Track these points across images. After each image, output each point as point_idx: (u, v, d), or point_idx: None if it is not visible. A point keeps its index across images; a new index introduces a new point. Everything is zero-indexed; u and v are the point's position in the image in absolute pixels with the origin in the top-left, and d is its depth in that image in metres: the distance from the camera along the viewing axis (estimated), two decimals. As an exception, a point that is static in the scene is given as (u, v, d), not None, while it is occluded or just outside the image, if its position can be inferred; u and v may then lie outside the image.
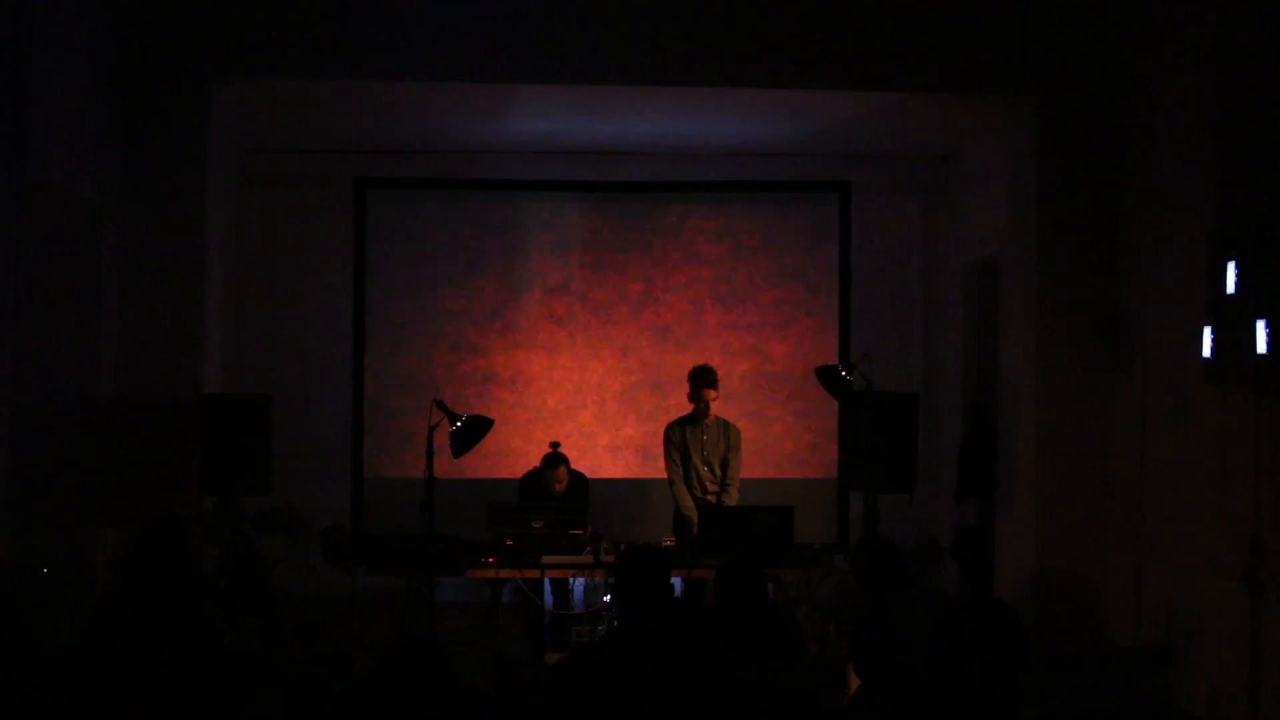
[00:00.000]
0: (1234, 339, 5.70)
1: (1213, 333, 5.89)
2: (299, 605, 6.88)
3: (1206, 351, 5.95)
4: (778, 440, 9.63)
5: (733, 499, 8.11)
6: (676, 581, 7.23)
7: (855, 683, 5.41)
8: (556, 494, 7.99)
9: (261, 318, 9.37)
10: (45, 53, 6.26)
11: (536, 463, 8.25)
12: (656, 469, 8.60)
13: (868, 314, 9.72)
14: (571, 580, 7.88)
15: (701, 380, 8.11)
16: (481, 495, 8.04)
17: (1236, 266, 5.70)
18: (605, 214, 9.71)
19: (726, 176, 9.68)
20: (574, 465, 8.25)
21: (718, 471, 8.16)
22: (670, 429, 8.25)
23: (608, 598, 7.18)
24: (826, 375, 7.87)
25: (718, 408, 8.19)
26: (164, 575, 4.80)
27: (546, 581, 7.54)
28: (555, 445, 8.15)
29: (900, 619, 5.38)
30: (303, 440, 8.82)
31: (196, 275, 7.21)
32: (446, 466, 6.95)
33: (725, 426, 8.22)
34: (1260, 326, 5.49)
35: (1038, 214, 7.48)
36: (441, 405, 6.63)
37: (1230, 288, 5.73)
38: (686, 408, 8.28)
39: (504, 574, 7.36)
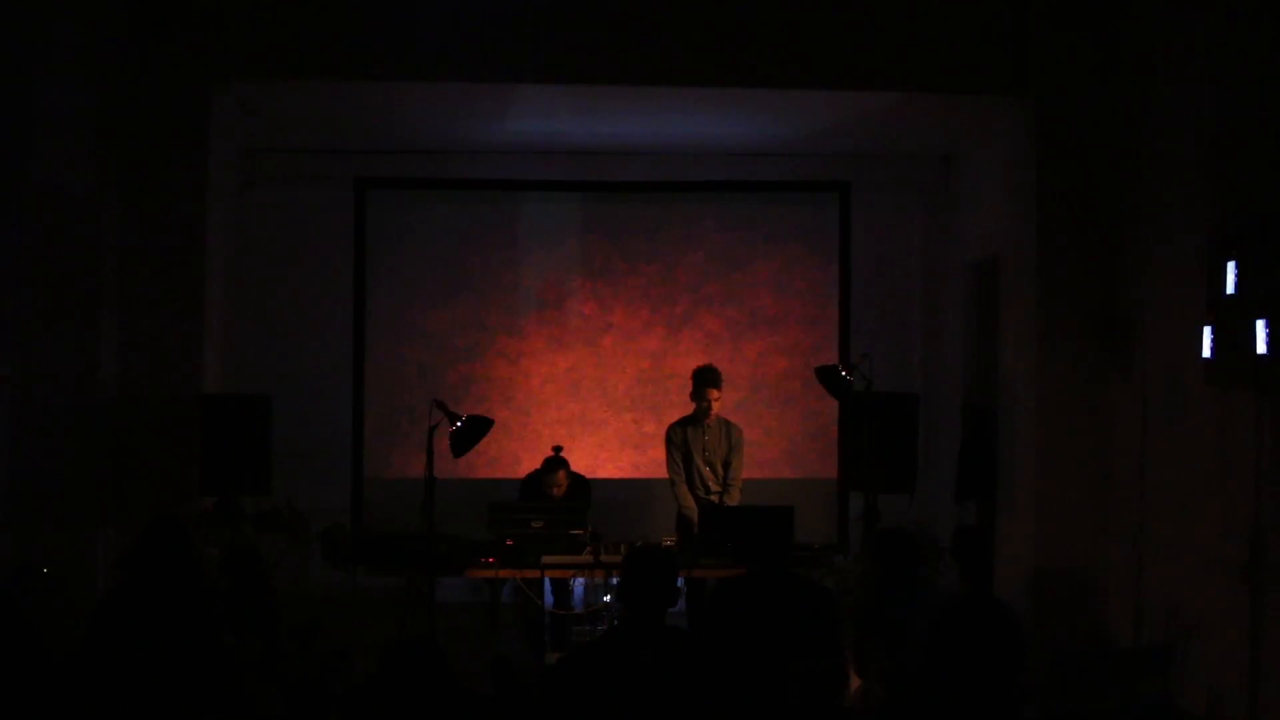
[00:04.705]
0: (1234, 339, 5.70)
1: (1213, 333, 5.89)
2: (299, 605, 6.87)
3: (1206, 351, 5.95)
4: (778, 440, 9.62)
5: (734, 499, 8.11)
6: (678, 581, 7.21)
7: (856, 682, 5.42)
8: (555, 497, 7.99)
9: (261, 318, 9.36)
10: (45, 53, 6.27)
11: (536, 463, 8.25)
12: (657, 469, 8.59)
13: (868, 314, 9.72)
14: (571, 580, 7.88)
15: (705, 380, 8.11)
16: (481, 495, 8.04)
17: (1236, 266, 5.70)
18: (605, 214, 9.71)
19: (726, 176, 9.68)
20: (575, 465, 8.25)
21: (720, 471, 8.15)
22: (672, 430, 8.25)
23: (608, 598, 7.18)
24: (826, 375, 7.87)
25: (718, 408, 8.19)
26: (164, 575, 4.81)
27: (546, 581, 7.53)
28: (557, 449, 8.15)
29: (902, 618, 5.39)
30: (303, 440, 8.81)
31: (196, 275, 7.21)
32: (446, 466, 6.95)
33: (727, 426, 8.22)
34: (1260, 326, 5.49)
35: (1038, 214, 7.48)
36: (441, 405, 6.63)
37: (1230, 288, 5.73)
38: (688, 407, 8.28)
39: (504, 574, 7.36)
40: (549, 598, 7.80)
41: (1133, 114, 7.26)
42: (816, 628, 5.08)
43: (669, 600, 4.09)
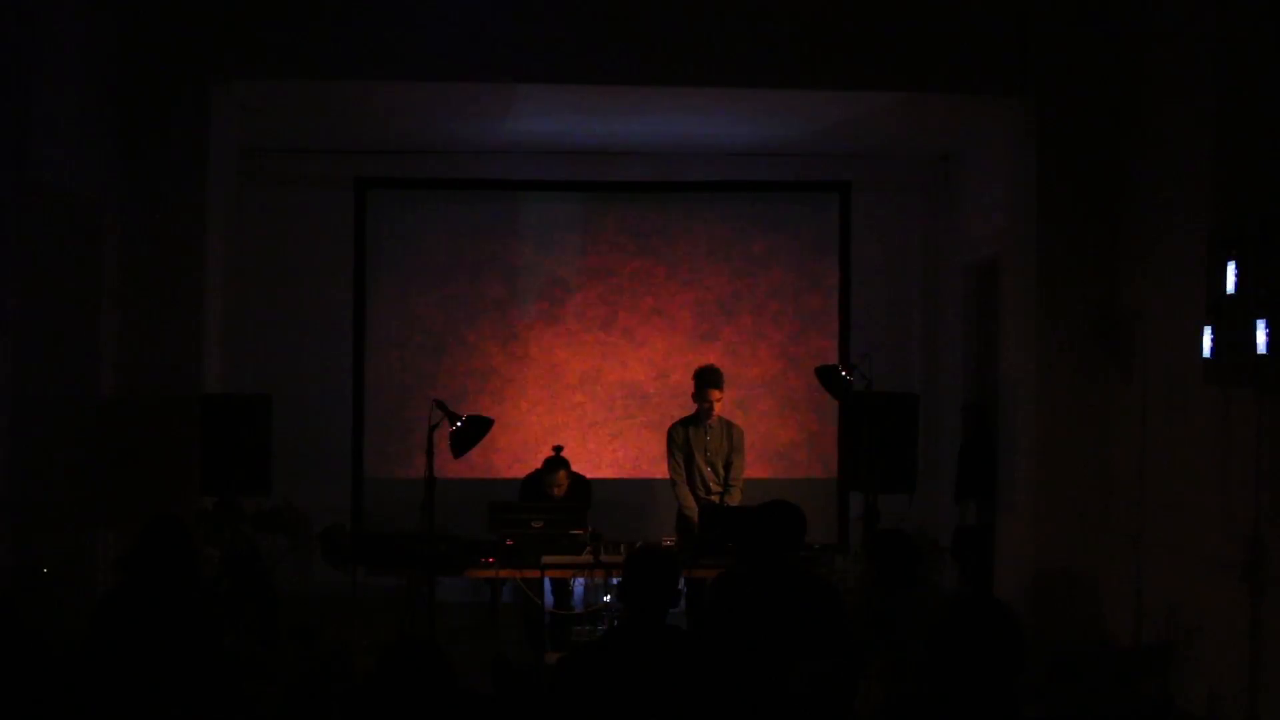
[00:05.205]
0: (1234, 339, 5.70)
1: (1213, 333, 5.89)
2: (299, 605, 6.87)
3: (1206, 351, 5.95)
4: (778, 440, 9.63)
5: (735, 499, 8.11)
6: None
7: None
8: (556, 497, 8.00)
9: (261, 318, 9.36)
10: (45, 53, 6.26)
11: (536, 463, 8.26)
12: (657, 469, 8.59)
13: (868, 314, 9.72)
14: (571, 580, 7.88)
15: (707, 380, 8.11)
16: (481, 495, 8.04)
17: (1236, 266, 5.70)
18: (605, 214, 9.71)
19: (726, 176, 9.68)
20: (575, 465, 8.25)
21: (720, 472, 8.15)
22: (674, 429, 8.25)
23: (608, 598, 7.18)
24: (826, 375, 7.87)
25: (720, 408, 8.19)
26: (164, 575, 4.81)
27: (546, 581, 7.54)
28: (558, 450, 8.15)
29: (901, 619, 5.38)
30: (303, 440, 8.81)
31: (196, 275, 7.21)
32: (446, 466, 6.95)
33: (728, 427, 8.22)
34: (1260, 326, 5.49)
35: (1038, 214, 7.48)
36: (441, 405, 6.62)
37: (1230, 288, 5.73)
38: (689, 408, 8.28)
39: (504, 574, 7.36)
40: (549, 598, 7.80)
41: (1133, 114, 7.26)
42: (821, 624, 5.06)
43: (670, 601, 4.09)
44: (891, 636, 5.36)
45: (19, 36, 5.97)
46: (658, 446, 8.58)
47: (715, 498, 8.08)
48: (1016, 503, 7.71)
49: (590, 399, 9.61)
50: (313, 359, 9.52)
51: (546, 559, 7.25)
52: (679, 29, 7.38)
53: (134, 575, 4.92)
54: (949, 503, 8.91)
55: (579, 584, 8.03)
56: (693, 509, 8.00)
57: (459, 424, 6.62)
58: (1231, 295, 5.73)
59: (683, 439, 8.17)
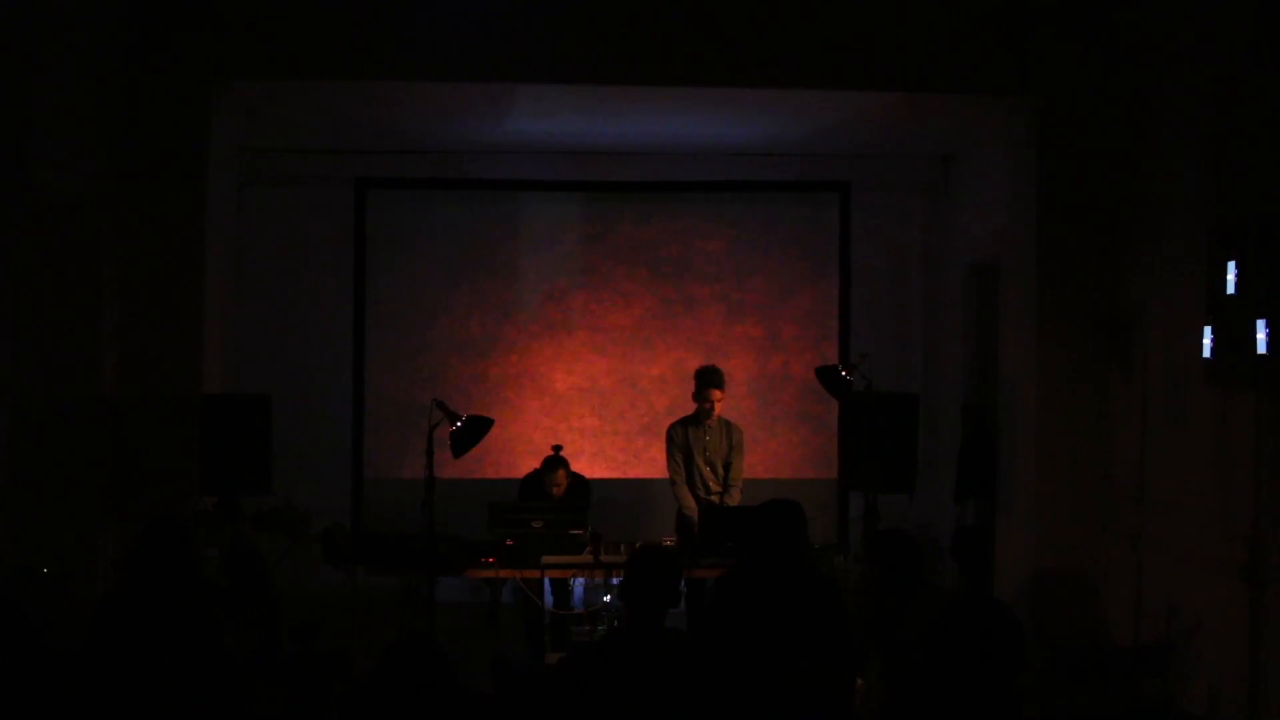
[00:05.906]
0: (1234, 339, 5.70)
1: (1213, 333, 5.89)
2: (299, 605, 6.87)
3: (1206, 351, 5.95)
4: (778, 440, 9.63)
5: (735, 499, 8.11)
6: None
7: (858, 683, 5.41)
8: (555, 497, 8.00)
9: (261, 318, 9.37)
10: (45, 53, 6.26)
11: (537, 463, 8.26)
12: (657, 469, 8.59)
13: (868, 314, 9.72)
14: (571, 580, 7.89)
15: (707, 380, 8.11)
16: (481, 495, 8.04)
17: (1236, 266, 5.70)
18: (605, 214, 9.71)
19: (726, 176, 9.68)
20: (574, 465, 8.26)
21: (720, 472, 8.16)
22: (673, 429, 8.25)
23: (608, 598, 7.18)
24: (826, 375, 7.88)
25: (720, 408, 8.19)
26: (164, 575, 4.81)
27: (546, 581, 7.54)
28: (557, 449, 8.15)
29: (902, 619, 5.39)
30: (303, 440, 8.82)
31: (196, 275, 7.21)
32: (446, 466, 6.95)
33: (728, 427, 8.22)
34: (1260, 326, 5.49)
35: (1038, 214, 7.48)
36: (441, 405, 6.62)
37: (1230, 288, 5.73)
38: (688, 408, 8.28)
39: (504, 574, 7.37)
40: (549, 598, 7.80)
41: (1133, 114, 7.26)
42: (821, 621, 5.05)
43: (671, 600, 4.09)
44: (892, 636, 5.36)
45: (19, 37, 5.97)
46: (657, 446, 8.58)
47: (715, 498, 8.09)
48: (1016, 503, 7.70)
49: (590, 398, 9.61)
50: (313, 359, 9.52)
51: (546, 559, 7.25)
52: (679, 29, 7.38)
53: (134, 575, 4.92)
54: (949, 503, 8.91)
55: (579, 584, 8.03)
56: (692, 509, 8.00)
57: (459, 424, 6.62)
58: (1231, 295, 5.73)
59: (682, 439, 8.17)
